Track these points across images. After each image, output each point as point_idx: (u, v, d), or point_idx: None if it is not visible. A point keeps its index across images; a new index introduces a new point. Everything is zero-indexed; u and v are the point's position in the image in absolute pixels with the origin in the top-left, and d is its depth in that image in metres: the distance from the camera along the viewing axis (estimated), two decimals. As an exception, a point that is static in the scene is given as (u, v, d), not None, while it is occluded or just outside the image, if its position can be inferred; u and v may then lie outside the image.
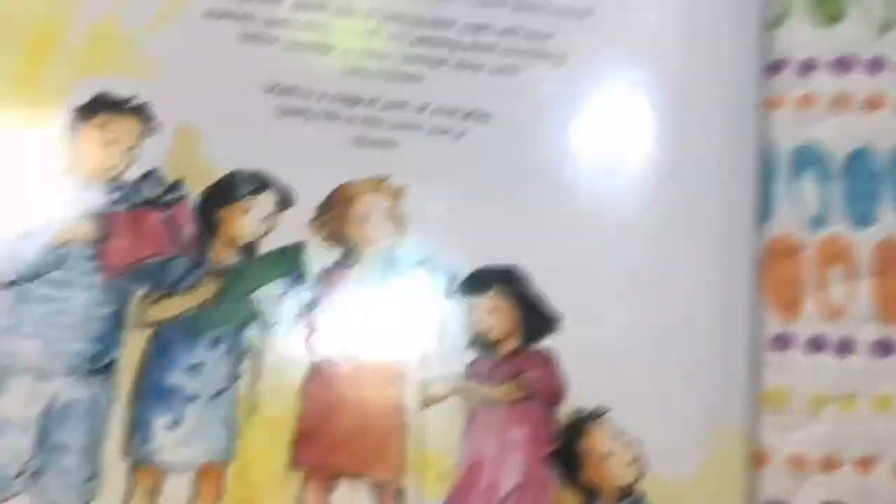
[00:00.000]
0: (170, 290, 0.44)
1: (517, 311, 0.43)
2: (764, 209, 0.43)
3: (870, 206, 0.43)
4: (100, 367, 0.43)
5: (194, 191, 0.45)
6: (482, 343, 0.43)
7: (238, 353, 0.43)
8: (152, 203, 0.45)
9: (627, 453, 0.42)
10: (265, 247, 0.45)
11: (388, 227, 0.44)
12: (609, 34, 0.45)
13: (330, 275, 0.44)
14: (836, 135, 0.44)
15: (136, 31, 0.45)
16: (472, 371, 0.43)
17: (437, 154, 0.45)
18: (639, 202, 0.44)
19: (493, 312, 0.43)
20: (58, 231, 0.44)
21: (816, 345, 0.42)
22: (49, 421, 0.42)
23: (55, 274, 0.44)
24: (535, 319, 0.43)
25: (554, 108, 0.45)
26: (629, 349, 0.43)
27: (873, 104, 0.44)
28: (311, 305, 0.43)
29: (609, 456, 0.42)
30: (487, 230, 0.44)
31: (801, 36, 0.44)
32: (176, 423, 0.42)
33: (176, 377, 0.43)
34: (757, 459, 0.41)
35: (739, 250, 0.44)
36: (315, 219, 0.44)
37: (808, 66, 0.44)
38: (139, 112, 0.45)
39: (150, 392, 0.43)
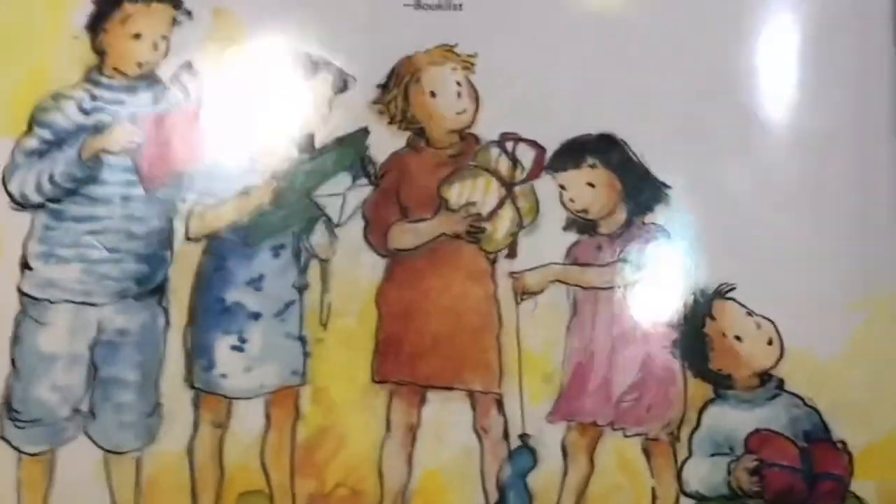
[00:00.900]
0: (220, 197, 0.46)
1: (618, 182, 0.45)
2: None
3: None
4: (149, 289, 0.45)
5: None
6: (581, 223, 0.44)
7: (302, 261, 0.45)
8: (187, 101, 0.47)
9: (762, 333, 0.43)
10: (324, 138, 0.46)
11: (461, 102, 0.46)
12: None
13: (399, 161, 0.45)
14: None
15: None
16: (572, 256, 0.44)
17: (510, 9, 0.46)
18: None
19: (591, 186, 0.44)
20: (87, 140, 0.46)
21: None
22: (99, 353, 0.44)
23: (90, 189, 0.46)
24: (640, 189, 0.45)
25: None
26: (755, 215, 0.44)
27: None
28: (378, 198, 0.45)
29: (741, 338, 0.43)
30: (578, 96, 0.46)
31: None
32: (241, 345, 0.44)
33: (236, 293, 0.45)
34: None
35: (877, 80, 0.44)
36: (377, 100, 0.46)
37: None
38: None
39: (209, 312, 0.45)
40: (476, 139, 0.46)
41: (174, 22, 0.47)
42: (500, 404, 0.43)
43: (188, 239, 0.46)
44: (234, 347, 0.44)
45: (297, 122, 0.46)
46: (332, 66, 0.47)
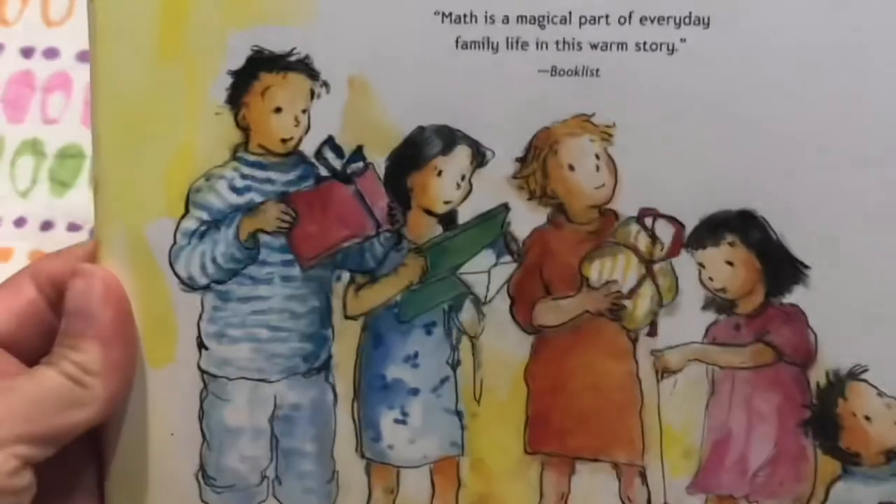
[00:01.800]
0: (372, 275, 0.57)
1: (757, 262, 0.54)
2: None
3: None
4: (315, 366, 0.57)
5: (377, 157, 0.56)
6: (720, 302, 0.54)
7: (454, 337, 0.56)
8: (335, 177, 0.57)
9: (891, 413, 0.53)
10: (465, 214, 0.56)
11: (599, 176, 0.54)
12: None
13: (541, 238, 0.55)
14: None
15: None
16: (710, 335, 0.54)
17: (648, 76, 0.54)
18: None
19: (730, 264, 0.54)
20: (242, 220, 0.57)
21: None
22: (278, 426, 0.58)
23: (251, 270, 0.57)
24: (779, 269, 0.54)
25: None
26: (887, 297, 0.53)
27: None
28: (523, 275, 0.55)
29: (871, 418, 0.53)
30: (717, 170, 0.54)
31: None
32: (403, 418, 0.57)
33: (395, 370, 0.57)
34: None
35: None
36: (516, 174, 0.55)
37: None
38: (304, 68, 0.56)
39: (372, 388, 0.57)
40: (615, 215, 0.55)
41: (313, 95, 0.56)
42: (643, 476, 0.55)
43: (346, 317, 0.57)
44: (398, 421, 0.57)
45: (439, 197, 0.56)
46: (468, 138, 0.55)
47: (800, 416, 0.54)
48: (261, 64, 0.56)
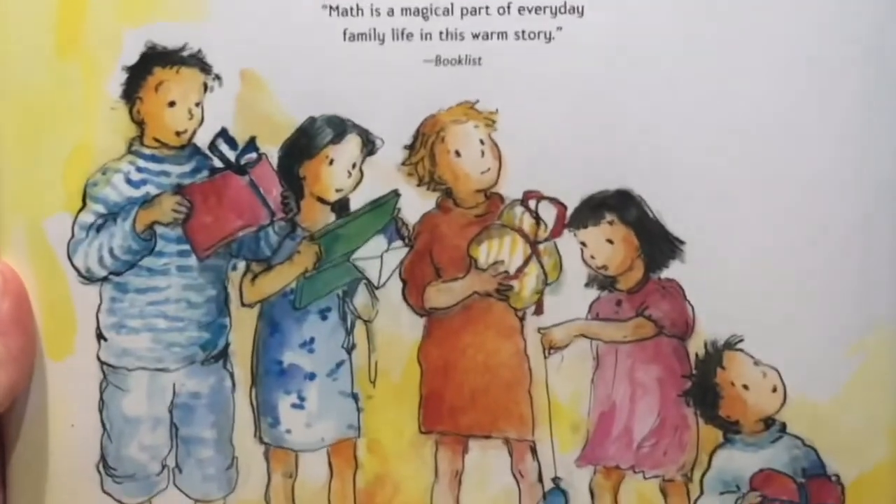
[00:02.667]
0: (268, 263, 0.59)
1: (636, 239, 0.57)
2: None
3: None
4: (213, 354, 0.59)
5: (269, 148, 0.59)
6: (602, 279, 0.57)
7: (349, 321, 0.59)
8: (229, 168, 0.59)
9: (767, 382, 0.56)
10: (357, 201, 0.59)
11: (485, 161, 0.57)
12: None
13: (430, 222, 0.58)
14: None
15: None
16: (594, 311, 0.58)
17: (528, 63, 0.57)
18: (773, 100, 0.56)
19: (610, 242, 0.57)
20: (138, 212, 0.59)
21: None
22: (177, 414, 0.59)
23: (148, 261, 0.59)
24: (656, 246, 0.57)
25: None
26: (760, 270, 0.56)
27: None
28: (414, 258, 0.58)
29: (748, 387, 0.56)
30: (595, 151, 0.57)
31: None
32: (301, 403, 0.59)
33: (292, 355, 0.59)
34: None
35: (883, 150, 0.55)
36: (405, 161, 0.58)
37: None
38: (197, 62, 0.59)
39: (269, 373, 0.59)
40: (501, 198, 0.58)
41: (206, 88, 0.58)
42: (533, 451, 0.58)
43: (243, 305, 0.59)
44: (295, 405, 0.59)
45: (331, 185, 0.59)
46: (358, 127, 0.58)
47: (681, 386, 0.57)
48: (154, 59, 0.59)
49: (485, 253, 0.58)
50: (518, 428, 0.58)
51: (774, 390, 0.56)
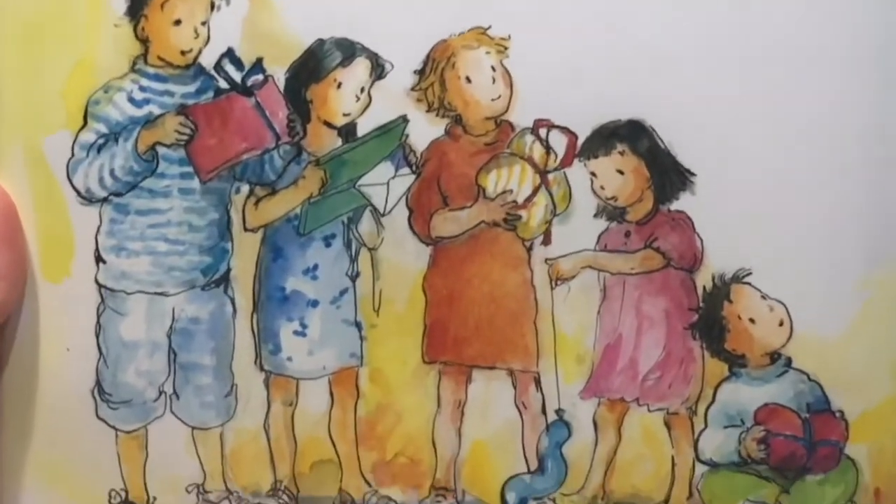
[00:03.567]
0: (272, 188, 0.59)
1: (646, 170, 0.58)
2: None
3: None
4: (214, 279, 0.59)
5: (276, 70, 0.59)
6: (611, 210, 0.58)
7: (353, 249, 0.59)
8: (235, 89, 0.59)
9: (774, 316, 0.57)
10: (364, 126, 0.59)
11: (495, 88, 0.58)
12: None
13: (438, 149, 0.58)
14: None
15: None
16: (602, 242, 0.58)
17: None
18: (786, 31, 0.56)
19: (620, 173, 0.57)
20: (140, 132, 0.59)
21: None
22: (176, 339, 0.59)
23: (149, 182, 0.59)
24: (667, 177, 0.58)
25: None
26: (769, 204, 0.56)
27: None
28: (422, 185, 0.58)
29: (755, 320, 0.57)
30: (609, 81, 0.57)
31: None
32: (303, 330, 0.59)
33: (294, 282, 0.59)
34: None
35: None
36: (414, 86, 0.58)
37: None
38: None
39: (271, 300, 0.60)
40: (511, 126, 0.58)
41: (213, 7, 0.58)
42: (537, 382, 0.59)
43: (246, 230, 0.59)
44: (297, 333, 0.60)
45: (338, 109, 0.58)
46: (368, 50, 0.58)
47: (687, 319, 0.58)
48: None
49: (493, 182, 0.58)
50: (522, 359, 0.59)
51: (781, 324, 0.57)
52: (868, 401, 0.58)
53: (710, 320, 0.58)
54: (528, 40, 0.58)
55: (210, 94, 0.59)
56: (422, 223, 0.59)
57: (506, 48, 0.58)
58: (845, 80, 0.57)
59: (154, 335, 0.60)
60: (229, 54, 0.59)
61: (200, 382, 0.60)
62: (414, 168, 0.59)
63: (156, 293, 0.60)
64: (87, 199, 0.59)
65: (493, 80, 0.58)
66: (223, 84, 0.59)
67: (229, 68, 0.59)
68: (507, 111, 0.59)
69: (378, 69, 0.59)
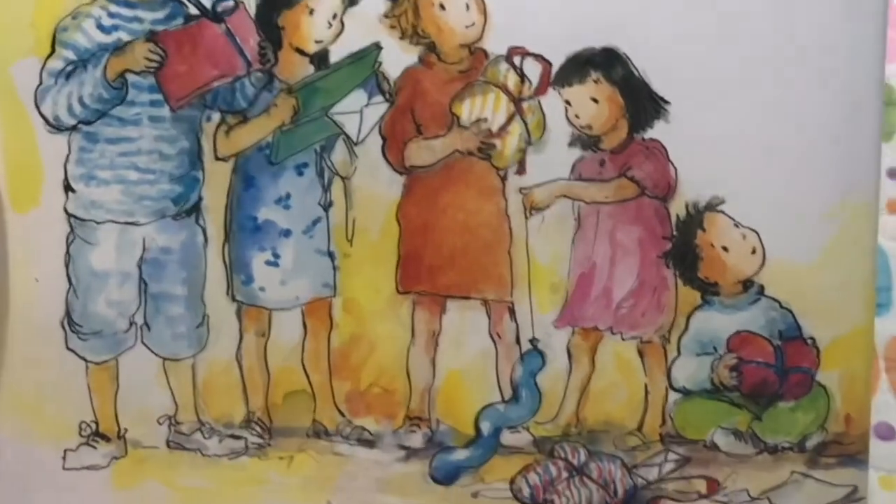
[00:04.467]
0: (243, 116, 0.59)
1: (621, 98, 0.59)
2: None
3: None
4: (185, 208, 0.59)
5: (247, -2, 0.60)
6: (585, 139, 0.58)
7: (326, 178, 0.59)
8: (205, 15, 0.59)
9: (747, 244, 0.58)
10: (337, 54, 0.59)
11: (469, 15, 0.58)
12: None
13: (412, 77, 0.59)
14: None
15: None
16: (576, 171, 0.59)
17: None
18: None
19: (595, 101, 0.58)
20: (109, 59, 0.59)
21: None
22: (146, 270, 0.60)
23: (119, 110, 0.59)
24: (641, 105, 0.59)
25: None
26: (742, 133, 0.57)
27: None
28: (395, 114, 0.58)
29: (728, 248, 0.58)
30: (583, 8, 0.58)
31: None
32: (275, 260, 0.59)
33: (266, 211, 0.60)
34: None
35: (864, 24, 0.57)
36: (388, 13, 0.58)
37: None
38: None
39: (243, 230, 0.60)
40: (485, 54, 0.59)
41: (184, -66, 0.58)
42: (512, 312, 0.60)
43: (217, 158, 0.59)
44: (269, 263, 0.60)
45: (311, 36, 0.59)
46: (341, -24, 0.58)
47: (661, 247, 0.59)
48: None
49: (467, 110, 0.59)
50: (497, 289, 0.59)
51: (754, 252, 0.58)
52: (839, 328, 0.59)
53: (684, 249, 0.59)
54: (503, -32, 0.58)
55: (180, 20, 0.59)
56: (395, 152, 0.60)
57: (480, -26, 0.58)
58: (819, 10, 0.57)
59: (124, 265, 0.60)
60: None
61: (172, 313, 0.60)
62: (387, 96, 0.59)
63: (126, 223, 0.60)
64: (56, 127, 0.59)
65: (467, 7, 0.59)
66: (193, 10, 0.59)
67: None
68: (480, 39, 0.59)
69: (350, -5, 0.59)
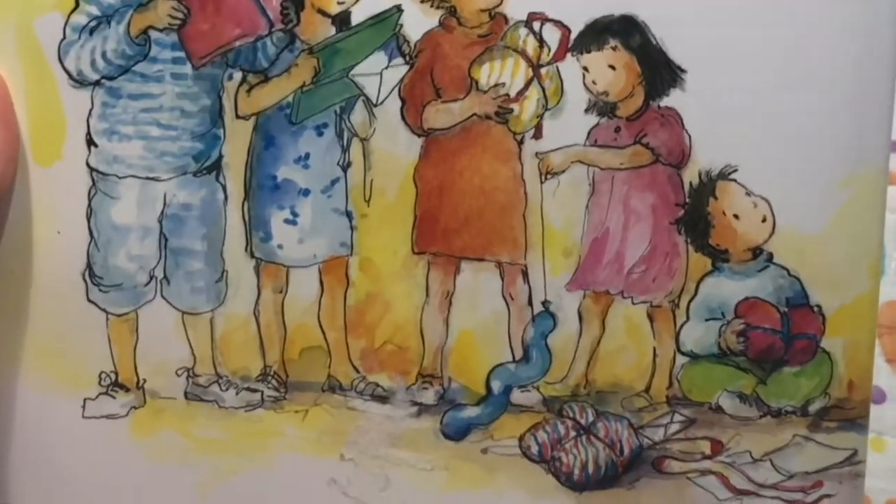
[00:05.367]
0: (265, 75, 0.61)
1: (638, 65, 0.61)
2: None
3: None
4: (206, 165, 0.61)
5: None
6: (602, 105, 0.60)
7: (345, 139, 0.61)
8: (228, -24, 0.61)
9: (757, 212, 0.59)
10: (359, 15, 0.61)
11: (489, -22, 0.60)
12: None
13: (432, 41, 0.60)
14: None
15: None
16: (592, 137, 0.61)
17: None
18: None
19: (612, 68, 0.59)
20: (133, 16, 0.60)
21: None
22: (167, 225, 0.61)
23: (142, 66, 0.61)
24: (658, 73, 0.61)
25: None
26: (756, 102, 0.59)
27: None
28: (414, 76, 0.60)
29: (739, 216, 0.59)
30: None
31: None
32: (294, 218, 0.61)
33: (286, 170, 0.62)
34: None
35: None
36: (409, -23, 0.61)
37: None
38: None
39: (263, 187, 0.62)
40: (505, 19, 0.60)
41: None
42: (525, 274, 0.62)
43: (238, 117, 0.61)
44: (288, 221, 0.62)
45: (333, -2, 0.60)
46: (365, -62, 0.60)
47: (673, 214, 0.60)
48: None
49: (486, 74, 0.60)
50: (511, 251, 0.61)
51: (764, 220, 0.60)
52: (845, 296, 0.61)
53: (696, 216, 0.61)
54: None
55: (204, -22, 0.60)
56: (414, 114, 0.61)
57: (500, -62, 0.60)
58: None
59: (145, 220, 0.62)
60: None
61: (191, 268, 0.62)
62: (407, 59, 0.61)
63: (147, 178, 0.62)
64: (79, 81, 0.61)
65: (486, -28, 0.60)
66: (218, -31, 0.60)
67: None
68: (501, 4, 0.61)
69: (373, -43, 0.60)
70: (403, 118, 0.61)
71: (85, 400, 0.63)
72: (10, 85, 0.60)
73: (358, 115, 0.62)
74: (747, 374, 0.62)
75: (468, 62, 0.61)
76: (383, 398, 0.63)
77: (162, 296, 0.63)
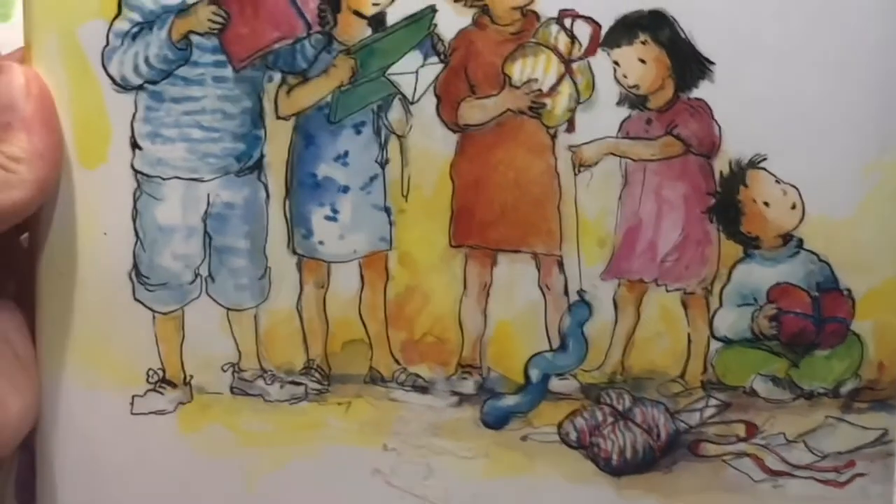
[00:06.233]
0: (303, 76, 0.63)
1: (667, 59, 0.63)
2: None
3: None
4: (248, 165, 0.63)
5: (304, -36, 0.63)
6: (633, 98, 0.62)
7: (383, 136, 0.63)
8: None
9: (787, 199, 0.61)
10: (394, 16, 0.63)
11: (522, -23, 0.63)
12: None
13: (466, 39, 0.63)
14: None
15: None
16: (624, 130, 0.63)
17: None
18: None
19: (642, 62, 0.61)
20: (174, 21, 0.63)
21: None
22: (211, 224, 0.63)
23: (184, 70, 0.63)
24: (687, 66, 0.64)
25: None
26: (784, 91, 0.61)
27: None
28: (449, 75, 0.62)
29: (769, 204, 0.61)
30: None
31: None
32: (334, 215, 0.63)
33: (326, 168, 0.64)
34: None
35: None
36: (443, -24, 0.64)
37: None
38: None
39: (303, 186, 0.64)
40: (536, 16, 0.62)
41: None
42: (560, 265, 0.64)
43: (278, 117, 0.63)
44: (328, 218, 0.64)
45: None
46: (398, -61, 0.62)
47: (705, 203, 0.62)
48: None
49: (519, 70, 0.62)
50: (546, 243, 0.63)
51: (794, 207, 0.62)
52: (874, 280, 0.63)
53: (727, 204, 0.63)
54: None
55: (243, -18, 0.63)
56: (449, 111, 0.63)
57: (532, -65, 0.62)
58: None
59: (189, 220, 0.64)
60: None
61: (235, 265, 0.64)
62: (442, 57, 0.63)
63: (191, 179, 0.64)
64: (123, 86, 0.63)
65: (520, -29, 0.62)
66: (257, -27, 0.62)
67: None
68: (532, 1, 0.63)
69: (408, -42, 0.62)
70: (439, 115, 0.64)
71: (133, 397, 0.65)
72: (55, 91, 0.62)
73: (395, 112, 0.64)
74: (780, 357, 0.64)
75: (501, 59, 0.63)
76: (424, 389, 0.65)
77: (207, 293, 0.65)
